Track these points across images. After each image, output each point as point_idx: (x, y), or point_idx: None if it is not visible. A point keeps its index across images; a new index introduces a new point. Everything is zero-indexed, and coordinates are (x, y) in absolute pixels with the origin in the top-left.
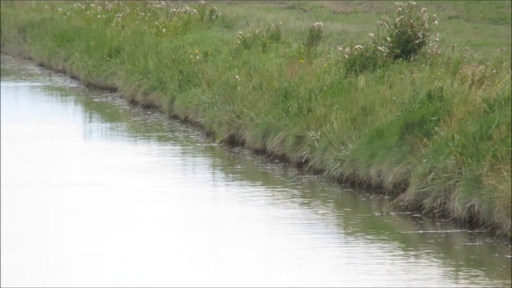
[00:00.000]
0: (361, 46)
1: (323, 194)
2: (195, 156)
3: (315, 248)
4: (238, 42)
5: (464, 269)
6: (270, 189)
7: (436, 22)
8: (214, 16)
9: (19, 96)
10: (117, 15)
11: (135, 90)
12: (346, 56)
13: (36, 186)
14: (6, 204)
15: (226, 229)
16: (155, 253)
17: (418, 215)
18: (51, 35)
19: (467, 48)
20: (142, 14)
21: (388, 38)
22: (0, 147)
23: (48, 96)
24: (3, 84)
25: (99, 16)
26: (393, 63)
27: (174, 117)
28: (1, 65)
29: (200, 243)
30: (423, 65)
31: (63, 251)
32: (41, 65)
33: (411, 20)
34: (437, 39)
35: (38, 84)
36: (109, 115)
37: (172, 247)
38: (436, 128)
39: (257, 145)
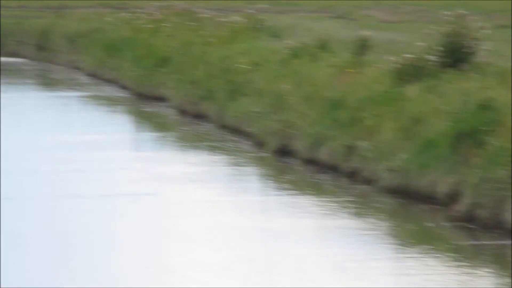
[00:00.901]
0: (410, 56)
1: (374, 205)
2: (245, 166)
3: (366, 259)
4: (287, 51)
5: None
6: (321, 199)
7: (486, 31)
8: (262, 26)
9: (69, 106)
10: (165, 25)
11: (184, 100)
12: (396, 66)
13: (87, 196)
14: (61, 215)
15: (277, 239)
16: (206, 263)
17: (471, 226)
18: (100, 45)
19: None
20: (191, 23)
21: (438, 48)
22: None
23: (98, 106)
24: (53, 94)
25: (147, 26)
26: (443, 72)
27: (224, 126)
28: (51, 75)
29: (251, 253)
30: (474, 74)
31: (118, 260)
32: (90, 75)
33: (461, 29)
34: (487, 48)
35: (87, 94)
36: (159, 125)
37: (223, 257)
38: (488, 138)
39: (307, 154)
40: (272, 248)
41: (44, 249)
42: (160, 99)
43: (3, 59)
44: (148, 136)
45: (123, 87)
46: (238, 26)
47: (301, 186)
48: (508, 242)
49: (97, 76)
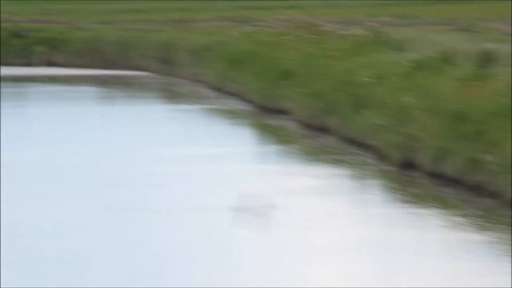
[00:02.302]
0: None
1: (499, 219)
2: (368, 179)
3: (489, 274)
4: (410, 64)
5: None
6: (445, 213)
7: None
8: (385, 39)
9: (192, 119)
10: (287, 38)
11: (307, 113)
12: None
13: (211, 209)
14: (186, 227)
15: (400, 252)
16: (332, 275)
17: None
18: (223, 58)
19: None
20: (313, 37)
21: None
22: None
23: (221, 119)
24: (176, 107)
25: (270, 39)
26: None
27: (346, 139)
28: (175, 88)
29: (374, 265)
30: None
31: (242, 274)
32: (213, 88)
33: None
34: None
35: (210, 107)
36: (281, 138)
37: (348, 269)
38: None
39: (430, 168)
40: (395, 261)
41: (166, 260)
42: (282, 112)
43: (127, 72)
44: (271, 149)
45: (246, 100)
46: (361, 39)
47: (424, 199)
48: None
49: (220, 89)
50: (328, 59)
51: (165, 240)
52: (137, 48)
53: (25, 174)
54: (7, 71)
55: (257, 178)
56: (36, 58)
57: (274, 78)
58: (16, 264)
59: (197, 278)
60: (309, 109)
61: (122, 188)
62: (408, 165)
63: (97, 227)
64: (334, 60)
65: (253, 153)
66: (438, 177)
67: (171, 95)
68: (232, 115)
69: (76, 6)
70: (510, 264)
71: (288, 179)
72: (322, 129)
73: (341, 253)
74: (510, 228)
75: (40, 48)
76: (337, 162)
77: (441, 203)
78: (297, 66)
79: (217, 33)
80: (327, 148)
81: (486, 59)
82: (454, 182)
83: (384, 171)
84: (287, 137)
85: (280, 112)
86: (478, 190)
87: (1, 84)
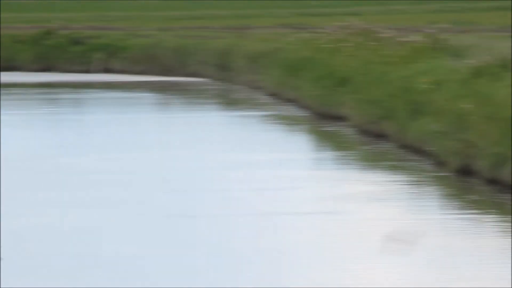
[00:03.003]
0: None
1: None
2: (426, 185)
3: None
4: (468, 71)
5: None
6: (503, 219)
7: None
8: (443, 45)
9: (250, 126)
10: (345, 45)
11: (364, 119)
12: None
13: (268, 214)
14: (242, 232)
15: (457, 258)
16: (389, 280)
17: None
18: (280, 65)
19: None
20: (371, 43)
21: None
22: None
23: (278, 125)
24: (234, 113)
25: (328, 46)
26: None
27: (404, 146)
28: (232, 95)
29: (431, 271)
30: None
31: (298, 278)
32: (270, 94)
33: None
34: None
35: (268, 113)
36: (339, 144)
37: (405, 274)
38: None
39: (488, 174)
40: (452, 267)
41: (225, 265)
42: (339, 118)
43: (185, 78)
44: (328, 155)
45: (303, 107)
46: (419, 46)
47: (482, 206)
48: None
49: (277, 96)
50: (386, 65)
51: (224, 245)
52: (195, 55)
53: (83, 180)
54: (65, 77)
55: (314, 184)
56: (94, 64)
57: (332, 84)
58: (76, 268)
59: (257, 281)
60: (366, 116)
61: (181, 193)
62: (465, 172)
63: (157, 233)
64: (392, 66)
65: (310, 159)
66: (496, 183)
67: (229, 102)
68: (289, 121)
69: (136, 13)
70: None
71: (345, 185)
72: (380, 136)
73: (398, 259)
74: None
75: (98, 55)
76: (394, 168)
77: (499, 209)
78: (355, 73)
79: (274, 39)
80: (384, 154)
81: None
82: None
83: (441, 177)
84: (344, 143)
85: (337, 118)
86: None
87: (59, 91)
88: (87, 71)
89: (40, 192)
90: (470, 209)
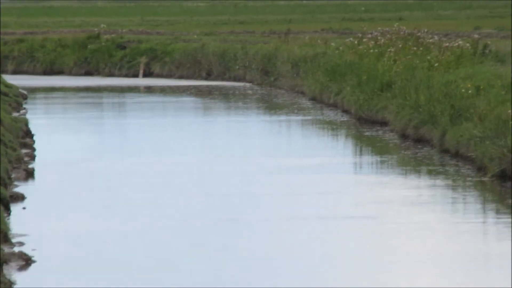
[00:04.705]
0: None
1: None
2: (466, 191)
3: None
4: None
5: None
6: None
7: None
8: (487, 51)
9: (291, 130)
10: (389, 49)
11: (406, 124)
12: None
13: (307, 218)
14: (282, 236)
15: (493, 265)
16: (425, 285)
17: None
18: (323, 69)
19: None
20: (415, 48)
21: None
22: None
23: (319, 129)
24: (276, 118)
25: (371, 50)
26: None
27: (445, 151)
28: (275, 99)
29: (468, 276)
30: None
31: (335, 282)
32: (313, 99)
33: None
34: None
35: (309, 118)
36: (380, 149)
37: (442, 280)
38: None
39: None
40: (488, 275)
41: (265, 269)
42: (381, 123)
43: (227, 83)
44: (369, 159)
45: (345, 111)
46: (463, 51)
47: None
48: None
49: (319, 101)
50: (429, 70)
51: (265, 249)
52: (237, 59)
53: (124, 183)
54: (109, 81)
55: (354, 188)
56: (137, 69)
57: (374, 89)
58: (115, 271)
59: (295, 284)
60: (408, 121)
61: (223, 197)
62: (506, 177)
63: (198, 236)
64: (436, 71)
65: (351, 163)
66: None
67: (271, 106)
68: (330, 126)
69: (181, 17)
70: None
71: (386, 189)
72: (421, 141)
73: (436, 264)
74: None
75: (141, 59)
76: (435, 173)
77: None
78: (398, 78)
79: (318, 44)
80: (425, 159)
81: None
82: None
83: (482, 182)
84: (385, 148)
85: (379, 123)
86: None
87: (102, 95)
88: (130, 75)
89: (82, 195)
90: (508, 214)
